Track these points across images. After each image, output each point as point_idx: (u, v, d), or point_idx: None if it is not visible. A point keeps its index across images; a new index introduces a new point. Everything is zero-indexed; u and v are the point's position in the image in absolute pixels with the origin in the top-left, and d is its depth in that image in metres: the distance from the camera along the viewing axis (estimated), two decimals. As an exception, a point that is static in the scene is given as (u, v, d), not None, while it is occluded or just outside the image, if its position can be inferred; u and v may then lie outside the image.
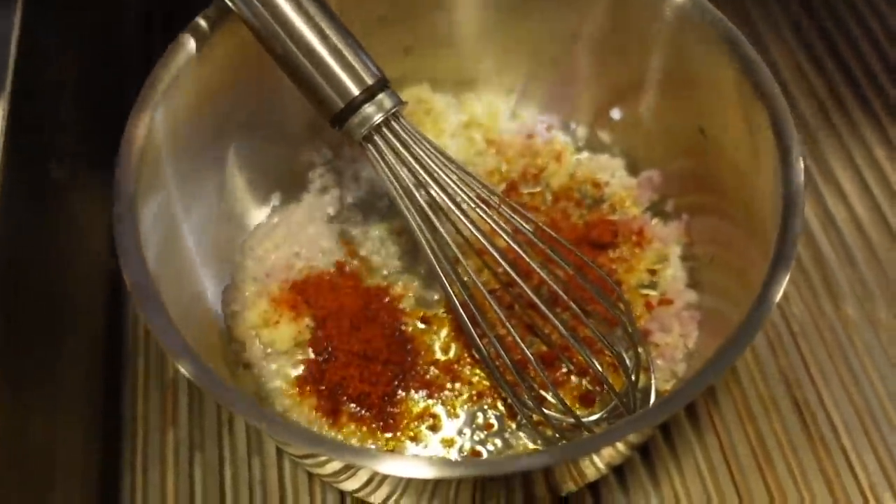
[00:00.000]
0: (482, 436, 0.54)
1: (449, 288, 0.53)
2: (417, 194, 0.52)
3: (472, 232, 0.52)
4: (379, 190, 0.62)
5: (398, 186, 0.52)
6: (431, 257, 0.53)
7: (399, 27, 0.61)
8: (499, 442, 0.54)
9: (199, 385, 0.43)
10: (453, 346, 0.57)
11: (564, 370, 0.55)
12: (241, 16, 0.50)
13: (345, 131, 0.51)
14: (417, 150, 0.52)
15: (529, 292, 0.52)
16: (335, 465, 0.47)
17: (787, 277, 0.44)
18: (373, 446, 0.53)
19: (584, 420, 0.53)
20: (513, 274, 0.52)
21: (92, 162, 0.59)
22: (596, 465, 0.50)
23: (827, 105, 0.71)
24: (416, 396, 0.55)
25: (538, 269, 0.52)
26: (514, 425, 0.55)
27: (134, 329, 0.62)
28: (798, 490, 0.56)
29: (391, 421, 0.54)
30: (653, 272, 0.59)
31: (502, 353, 0.53)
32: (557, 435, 0.53)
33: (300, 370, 0.56)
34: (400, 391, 0.55)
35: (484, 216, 0.52)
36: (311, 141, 0.63)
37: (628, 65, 0.59)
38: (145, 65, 0.51)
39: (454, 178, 0.52)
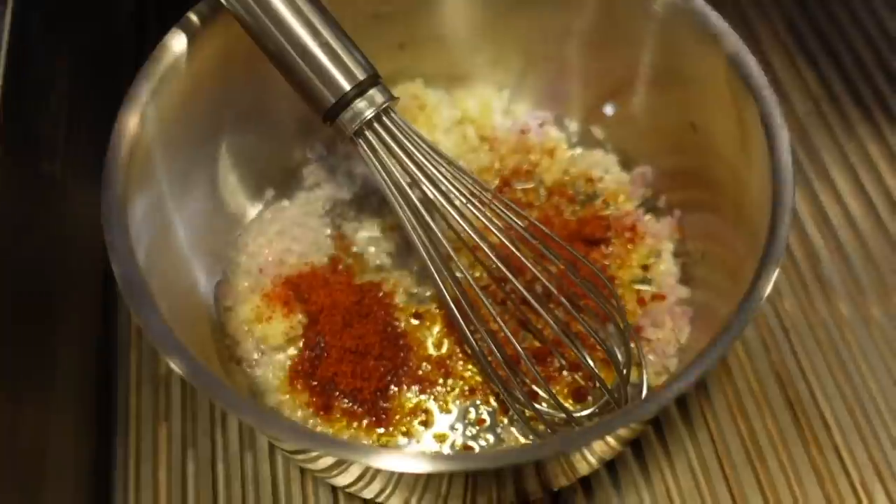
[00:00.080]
0: (474, 431, 0.54)
1: (441, 284, 0.53)
2: (410, 190, 0.53)
3: (464, 228, 0.52)
4: (372, 186, 0.62)
5: (390, 182, 0.52)
6: (424, 253, 0.53)
7: (393, 23, 0.61)
8: (491, 437, 0.54)
9: (191, 382, 0.43)
10: (446, 342, 0.57)
11: (557, 365, 0.55)
12: (233, 11, 0.50)
13: (336, 127, 0.51)
14: (409, 145, 0.52)
15: (522, 288, 0.52)
16: (327, 461, 0.47)
17: (777, 271, 0.44)
18: (365, 441, 0.53)
19: (576, 415, 0.53)
20: (505, 270, 0.52)
21: (84, 157, 0.59)
22: (587, 459, 0.50)
23: (821, 103, 0.71)
24: (408, 392, 0.55)
25: (531, 265, 0.52)
26: (505, 420, 0.55)
27: (126, 324, 0.62)
28: (790, 486, 0.56)
29: (383, 416, 0.54)
30: (645, 268, 0.59)
31: (494, 348, 0.53)
32: (549, 430, 0.53)
33: (292, 365, 0.56)
34: (392, 386, 0.55)
35: (476, 212, 0.52)
36: (304, 137, 0.63)
37: (620, 60, 0.59)
38: (138, 60, 0.51)
39: (446, 174, 0.52)
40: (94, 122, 0.56)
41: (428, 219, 0.53)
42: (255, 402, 0.54)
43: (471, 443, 0.54)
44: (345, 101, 0.50)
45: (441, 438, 0.54)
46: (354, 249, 0.61)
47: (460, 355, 0.56)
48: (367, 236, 0.61)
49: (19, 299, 0.51)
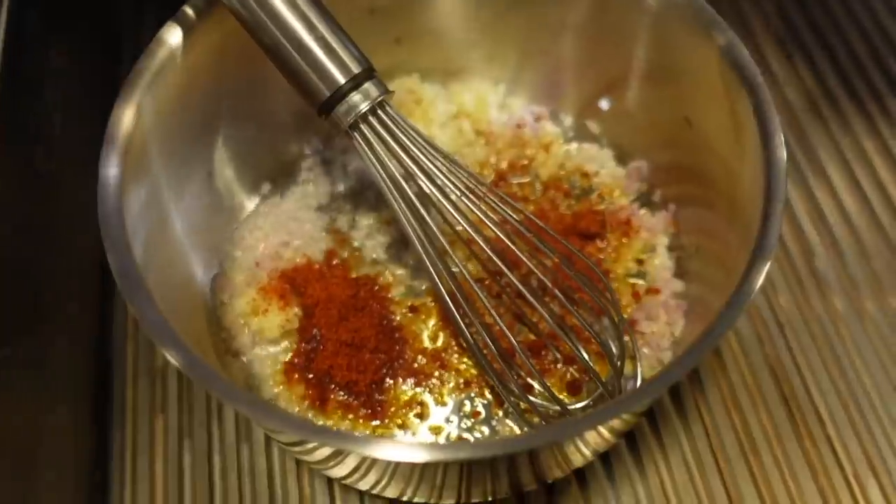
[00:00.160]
0: (469, 423, 0.55)
1: (437, 277, 0.53)
2: (405, 184, 0.53)
3: (459, 222, 0.52)
4: (368, 180, 0.63)
5: (385, 176, 0.52)
6: (419, 247, 0.53)
7: (389, 18, 0.61)
8: (486, 429, 0.55)
9: (187, 374, 0.43)
10: (441, 335, 0.57)
11: (551, 358, 0.56)
12: (228, 5, 0.50)
13: (332, 120, 0.51)
14: (405, 139, 0.52)
15: (517, 282, 0.52)
16: (324, 452, 0.47)
17: (769, 262, 0.45)
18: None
19: (570, 407, 0.53)
20: (500, 264, 0.52)
21: (80, 152, 0.59)
22: (581, 450, 0.50)
23: (816, 98, 0.72)
24: (403, 384, 0.56)
25: (526, 259, 0.52)
26: (501, 413, 0.55)
27: (123, 317, 0.62)
28: (784, 479, 0.56)
29: (379, 408, 0.55)
30: (640, 262, 0.60)
31: (489, 341, 0.54)
32: (544, 422, 0.53)
33: (288, 358, 0.56)
34: (388, 379, 0.56)
35: (472, 206, 0.53)
36: (300, 132, 0.63)
37: (615, 54, 0.59)
38: (135, 56, 0.51)
39: (442, 167, 0.53)
40: (90, 118, 0.57)
41: (423, 212, 0.53)
42: (251, 393, 0.54)
43: (466, 435, 0.54)
44: (340, 94, 0.50)
45: (436, 431, 0.55)
46: (350, 243, 0.61)
47: (456, 348, 0.57)
48: (363, 230, 0.61)
49: (16, 292, 0.51)
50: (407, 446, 0.41)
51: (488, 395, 0.55)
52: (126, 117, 0.48)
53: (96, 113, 0.51)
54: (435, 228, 0.53)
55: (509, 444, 0.42)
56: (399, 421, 0.55)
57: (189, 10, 0.52)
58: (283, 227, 0.61)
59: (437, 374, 0.56)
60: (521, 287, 0.52)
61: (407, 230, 0.53)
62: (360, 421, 0.54)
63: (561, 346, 0.56)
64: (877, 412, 0.58)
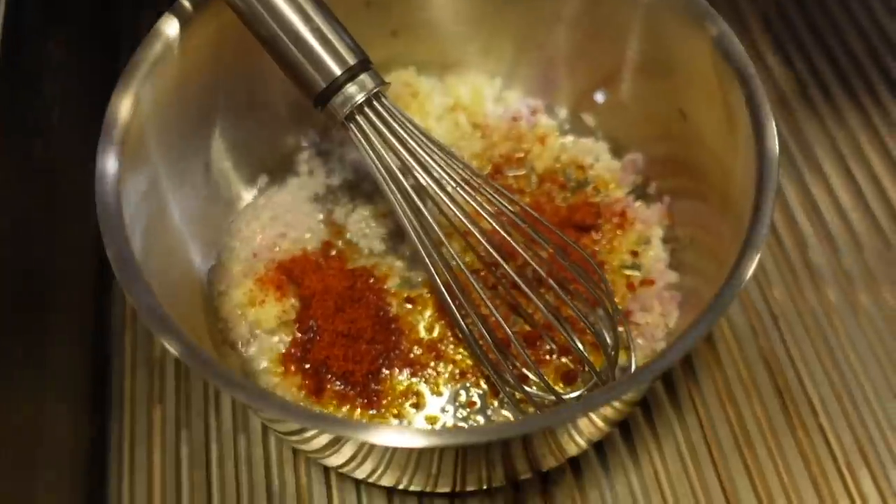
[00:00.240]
0: (465, 413, 0.55)
1: (433, 269, 0.54)
2: (401, 176, 0.53)
3: (455, 214, 0.53)
4: (365, 172, 0.63)
5: (381, 167, 0.53)
6: (415, 239, 0.54)
7: (386, 11, 0.62)
8: (481, 419, 0.55)
9: (185, 361, 0.44)
10: (437, 326, 0.58)
11: (546, 349, 0.56)
12: (225, -4, 0.50)
13: (328, 112, 0.52)
14: (401, 130, 0.52)
15: (512, 273, 0.53)
16: (321, 441, 0.48)
17: (760, 250, 0.45)
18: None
19: (565, 397, 0.53)
20: (496, 255, 0.53)
21: (78, 144, 0.60)
22: (575, 438, 0.51)
23: (811, 91, 0.72)
24: (399, 375, 0.56)
25: (521, 251, 0.53)
26: (496, 403, 0.55)
27: (121, 308, 0.62)
28: (777, 470, 0.56)
29: (375, 398, 0.55)
30: (635, 253, 0.60)
31: (485, 332, 0.54)
32: (539, 412, 0.53)
33: (285, 349, 0.57)
34: (384, 369, 0.56)
35: (468, 198, 0.53)
36: (297, 124, 0.64)
37: (609, 47, 0.60)
38: (135, 46, 0.51)
39: (438, 159, 0.53)
40: (88, 111, 0.57)
41: (419, 204, 0.53)
42: (248, 380, 0.54)
43: (461, 425, 0.55)
44: (336, 85, 0.50)
45: (432, 420, 0.55)
46: (347, 235, 0.61)
47: (451, 339, 0.57)
48: (359, 222, 0.62)
49: (14, 283, 0.52)
50: (406, 431, 0.42)
51: (484, 386, 0.56)
52: (124, 107, 0.49)
53: (95, 106, 0.51)
54: (431, 220, 0.54)
55: (504, 430, 0.42)
56: (395, 411, 0.55)
57: (186, 3, 0.52)
58: (280, 218, 0.61)
59: (432, 364, 0.56)
60: (516, 278, 0.53)
61: (403, 222, 0.54)
62: (357, 411, 0.55)
63: (556, 337, 0.56)
64: (870, 404, 0.59)
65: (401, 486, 0.53)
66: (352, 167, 0.64)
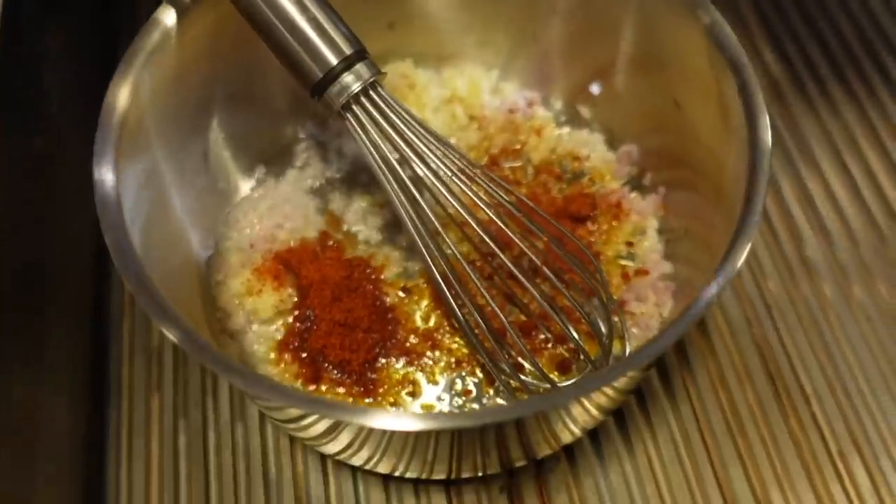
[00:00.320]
0: (461, 401, 0.56)
1: (429, 259, 0.54)
2: (398, 166, 0.53)
3: (452, 203, 0.53)
4: (362, 163, 0.63)
5: (378, 157, 0.53)
6: (412, 229, 0.54)
7: (382, 3, 0.62)
8: (477, 407, 0.55)
9: (183, 347, 0.44)
10: (433, 316, 0.58)
11: (542, 338, 0.56)
12: (223, -13, 0.51)
13: (324, 101, 0.52)
14: (397, 120, 0.53)
15: (508, 263, 0.53)
16: (318, 428, 0.48)
17: (752, 239, 0.45)
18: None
19: (560, 385, 0.54)
20: (492, 245, 0.53)
21: (77, 134, 0.60)
22: (569, 425, 0.51)
23: (807, 85, 0.72)
24: (396, 363, 0.56)
25: (517, 241, 0.53)
26: (491, 391, 0.56)
27: (119, 296, 0.63)
28: (769, 457, 0.57)
29: (371, 387, 0.55)
30: (630, 244, 0.60)
31: (481, 321, 0.54)
32: (533, 400, 0.54)
33: (282, 337, 0.57)
34: (380, 358, 0.56)
35: (464, 188, 0.53)
36: (295, 115, 0.64)
37: (604, 38, 0.60)
38: (133, 36, 0.51)
39: (434, 149, 0.53)
40: (86, 102, 0.57)
41: (416, 194, 0.54)
42: (246, 366, 0.55)
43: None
44: (332, 75, 0.51)
45: (428, 409, 0.55)
46: (344, 225, 0.62)
47: (447, 328, 0.58)
48: (356, 212, 0.62)
49: (13, 273, 0.52)
50: (403, 415, 0.42)
51: (479, 374, 0.56)
52: (122, 94, 0.49)
53: (93, 97, 0.51)
54: (427, 210, 0.54)
55: (499, 413, 0.43)
56: (391, 399, 0.55)
57: (184, -7, 0.53)
58: (278, 209, 0.61)
59: (428, 353, 0.57)
60: (512, 268, 0.53)
61: (400, 212, 0.54)
62: (353, 399, 0.55)
63: (551, 326, 0.56)
64: (862, 392, 0.59)
65: (397, 473, 0.53)
66: (349, 158, 0.64)
